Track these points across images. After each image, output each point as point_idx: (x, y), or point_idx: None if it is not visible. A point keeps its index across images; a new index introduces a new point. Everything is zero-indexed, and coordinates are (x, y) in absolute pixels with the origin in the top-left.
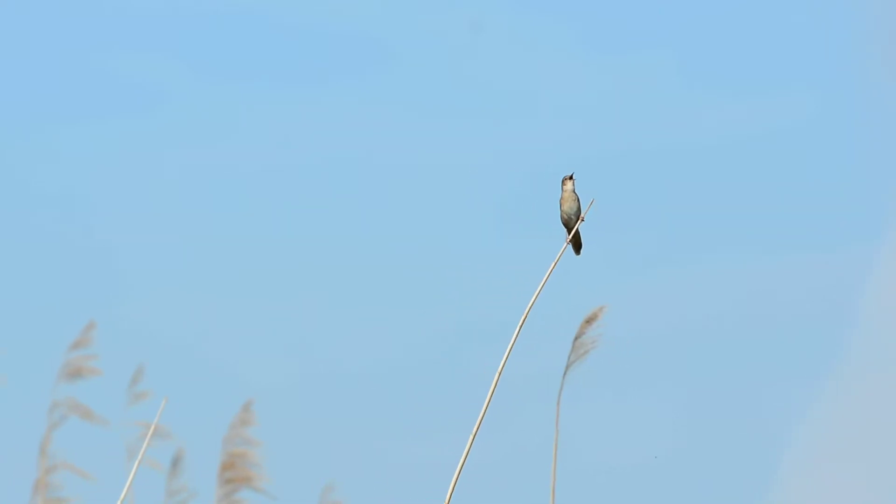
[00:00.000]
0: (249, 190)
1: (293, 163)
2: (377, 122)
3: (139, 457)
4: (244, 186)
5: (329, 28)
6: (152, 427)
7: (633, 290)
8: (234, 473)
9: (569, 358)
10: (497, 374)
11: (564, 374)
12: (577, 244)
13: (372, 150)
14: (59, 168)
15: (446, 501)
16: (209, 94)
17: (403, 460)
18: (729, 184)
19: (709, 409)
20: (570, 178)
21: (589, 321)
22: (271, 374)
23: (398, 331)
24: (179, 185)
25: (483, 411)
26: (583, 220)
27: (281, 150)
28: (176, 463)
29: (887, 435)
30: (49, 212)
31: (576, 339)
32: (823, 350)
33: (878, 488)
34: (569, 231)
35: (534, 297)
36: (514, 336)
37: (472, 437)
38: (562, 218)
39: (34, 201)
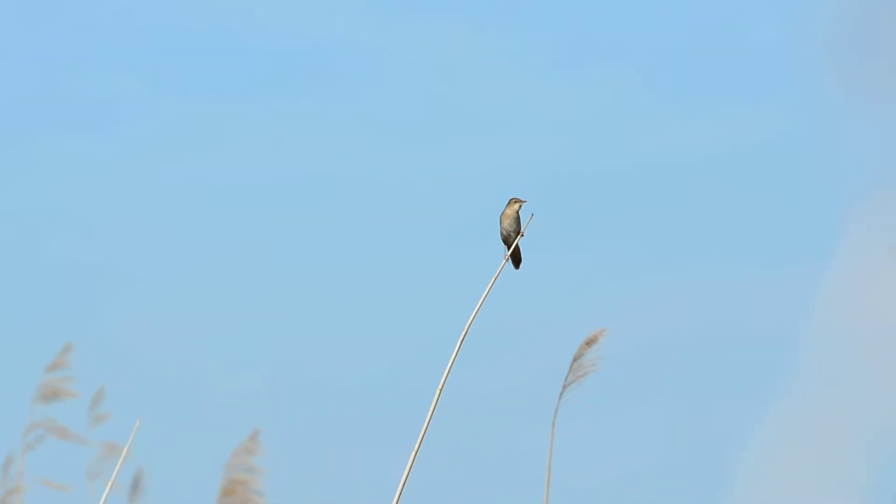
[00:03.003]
0: (224, 205)
1: (268, 178)
2: (354, 139)
3: (112, 478)
4: (219, 201)
5: (301, 45)
6: (125, 449)
7: (605, 306)
8: (233, 500)
9: (566, 379)
10: (438, 389)
11: (561, 394)
12: (516, 259)
13: (343, 167)
14: (27, 185)
15: None
16: (178, 110)
17: (389, 476)
18: (698, 199)
19: (682, 423)
20: (519, 201)
21: (589, 343)
22: (249, 388)
23: (383, 345)
24: (153, 201)
25: (425, 425)
26: (522, 235)
27: (255, 165)
28: (137, 484)
29: (847, 444)
30: (19, 229)
31: (574, 360)
32: (786, 363)
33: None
34: (508, 247)
35: (474, 312)
36: (456, 350)
37: (414, 452)
38: (501, 234)
39: (12, 219)
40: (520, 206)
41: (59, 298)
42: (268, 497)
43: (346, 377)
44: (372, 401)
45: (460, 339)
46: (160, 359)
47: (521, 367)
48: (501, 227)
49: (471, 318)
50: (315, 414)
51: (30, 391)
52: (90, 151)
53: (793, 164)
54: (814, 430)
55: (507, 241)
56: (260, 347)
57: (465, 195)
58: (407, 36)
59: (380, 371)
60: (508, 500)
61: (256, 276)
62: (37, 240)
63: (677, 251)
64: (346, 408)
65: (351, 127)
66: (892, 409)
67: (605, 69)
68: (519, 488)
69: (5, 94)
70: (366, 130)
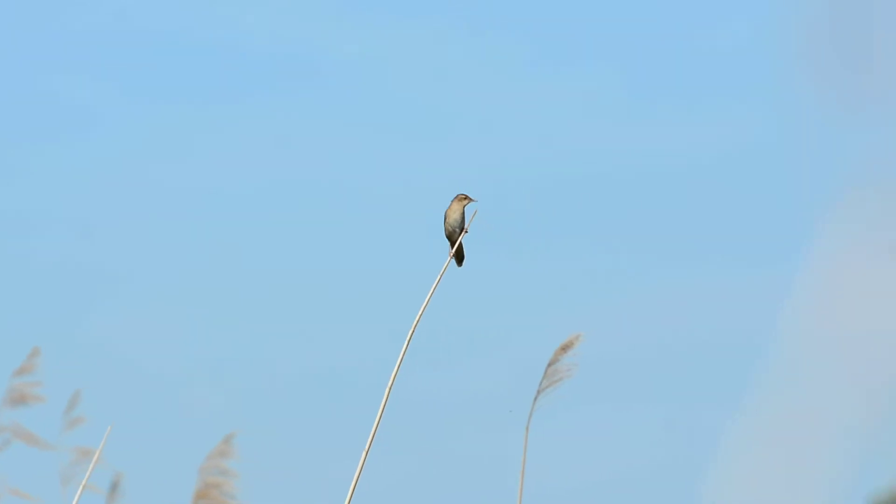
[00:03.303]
0: (209, 207)
1: (256, 180)
2: (343, 141)
3: (83, 483)
4: (204, 204)
5: (291, 48)
6: (97, 454)
7: (581, 309)
8: (207, 503)
9: (540, 384)
10: (387, 389)
11: (535, 399)
12: (459, 256)
13: (332, 169)
14: (17, 188)
15: None
16: (169, 114)
17: (366, 477)
18: (676, 202)
19: (658, 427)
20: (467, 198)
21: (564, 348)
22: (224, 391)
23: (363, 346)
24: (138, 203)
25: (374, 427)
26: (466, 232)
27: (243, 168)
28: (115, 488)
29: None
30: (6, 231)
31: (549, 365)
32: (763, 366)
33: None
34: (452, 244)
35: (421, 310)
36: (403, 349)
37: (364, 452)
38: (445, 230)
39: None
40: (467, 203)
41: (38, 301)
42: (242, 500)
43: (327, 378)
44: (354, 401)
45: (408, 338)
46: (136, 362)
47: (496, 370)
48: (446, 224)
49: (417, 316)
50: (292, 415)
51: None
52: (78, 155)
53: (769, 167)
54: (790, 433)
55: (452, 238)
56: (237, 349)
57: (450, 195)
58: (392, 39)
59: (362, 371)
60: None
61: (236, 279)
62: (23, 242)
63: (654, 254)
64: (325, 408)
65: (340, 129)
66: (868, 412)
67: (584, 73)
68: (492, 493)
69: None
70: (354, 132)
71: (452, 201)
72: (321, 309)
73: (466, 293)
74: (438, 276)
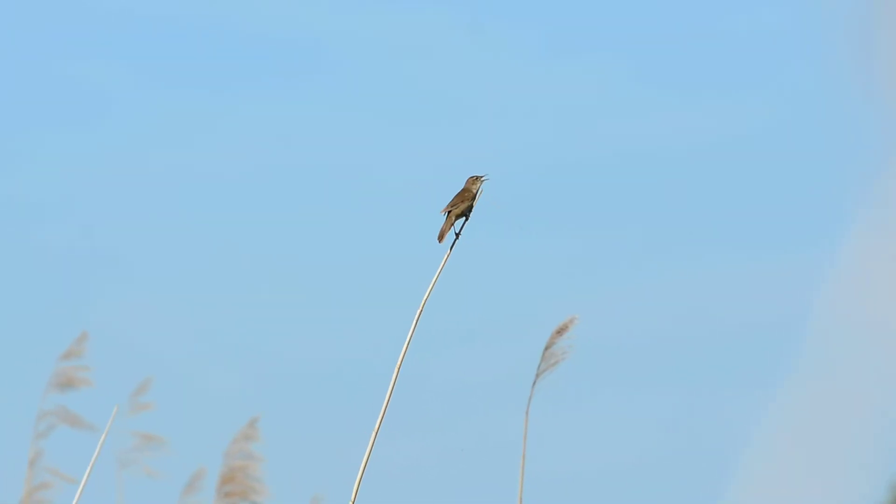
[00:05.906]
0: (213, 195)
1: (257, 168)
2: (345, 128)
3: (92, 459)
4: (208, 191)
5: (293, 35)
6: (106, 429)
7: (590, 294)
8: (233, 487)
9: (538, 367)
10: (395, 371)
11: (534, 383)
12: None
13: (335, 156)
14: (28, 176)
15: (352, 500)
16: (169, 100)
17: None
18: (698, 187)
19: (669, 414)
20: (479, 179)
21: (560, 331)
22: (237, 380)
23: (374, 332)
24: (142, 190)
25: (383, 408)
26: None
27: (245, 155)
28: (193, 481)
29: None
30: (11, 218)
31: (546, 349)
32: (782, 352)
33: (832, 488)
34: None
35: (426, 294)
36: (411, 331)
37: (373, 433)
38: (459, 213)
39: (5, 208)
40: (480, 183)
41: (49, 288)
42: (266, 484)
43: (339, 364)
44: (365, 387)
45: (415, 320)
46: (149, 347)
47: (501, 354)
48: (463, 206)
49: (423, 298)
50: (302, 401)
51: (23, 381)
52: (89, 139)
53: (801, 149)
54: (815, 418)
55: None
56: (249, 336)
57: (453, 183)
58: (402, 26)
59: (369, 358)
60: (484, 488)
61: (249, 266)
62: (30, 230)
63: (685, 238)
64: (334, 394)
65: (342, 116)
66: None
67: (595, 59)
68: (495, 477)
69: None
70: (366, 119)
71: (467, 183)
72: (331, 294)
73: (475, 277)
74: (445, 257)
